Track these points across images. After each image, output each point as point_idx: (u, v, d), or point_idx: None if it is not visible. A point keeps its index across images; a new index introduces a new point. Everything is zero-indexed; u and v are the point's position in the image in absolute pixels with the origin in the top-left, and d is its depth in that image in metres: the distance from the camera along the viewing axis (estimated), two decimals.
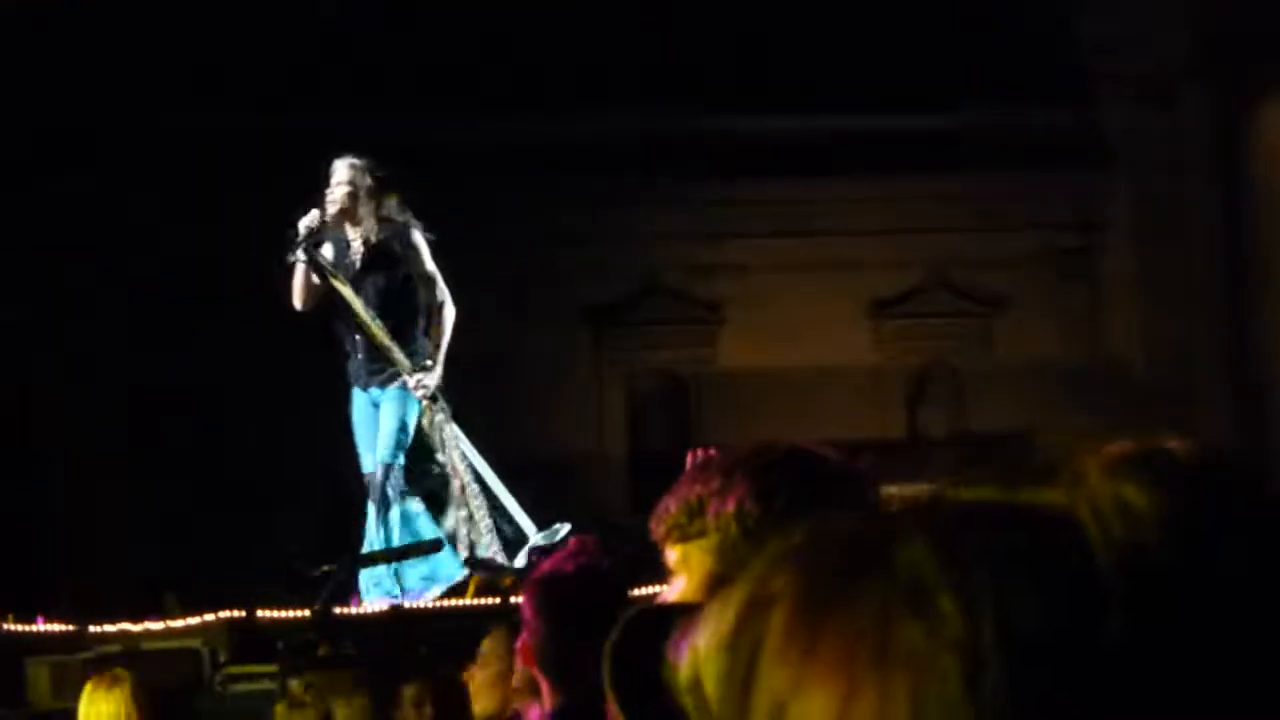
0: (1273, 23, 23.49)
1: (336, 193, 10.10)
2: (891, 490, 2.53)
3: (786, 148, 23.31)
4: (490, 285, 23.04)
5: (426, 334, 10.68)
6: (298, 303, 10.17)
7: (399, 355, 10.28)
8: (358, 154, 10.67)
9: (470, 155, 22.73)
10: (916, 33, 23.81)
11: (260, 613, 10.45)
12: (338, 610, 10.24)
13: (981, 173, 24.18)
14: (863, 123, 23.72)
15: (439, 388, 10.71)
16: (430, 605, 10.44)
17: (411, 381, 10.24)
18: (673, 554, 2.57)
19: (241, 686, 10.23)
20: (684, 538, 2.55)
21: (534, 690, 4.49)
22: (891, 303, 24.11)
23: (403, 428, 10.34)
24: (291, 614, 10.29)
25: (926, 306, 24.40)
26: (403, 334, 10.47)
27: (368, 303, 10.21)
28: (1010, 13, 24.04)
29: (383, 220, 10.36)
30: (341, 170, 10.24)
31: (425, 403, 10.42)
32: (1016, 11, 24.12)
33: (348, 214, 10.19)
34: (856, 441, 9.40)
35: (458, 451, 10.69)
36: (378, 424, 10.05)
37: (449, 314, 10.82)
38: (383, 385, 10.28)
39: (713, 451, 4.37)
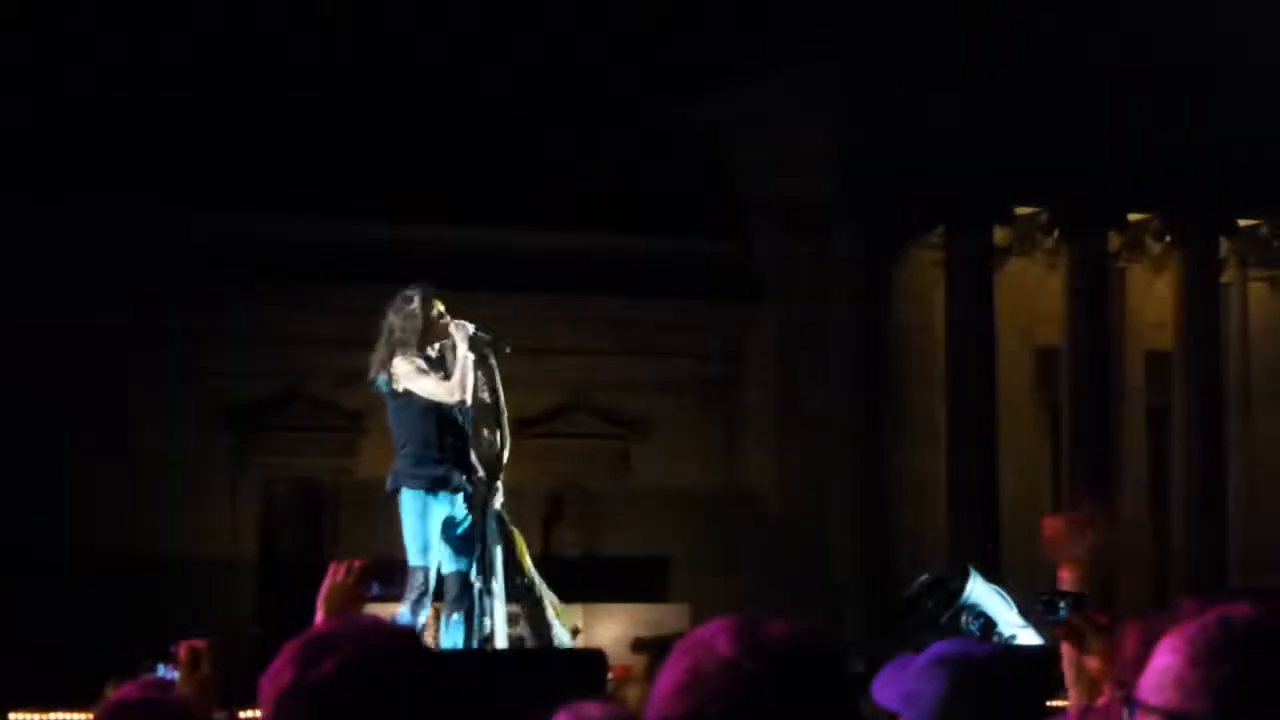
0: (919, 169, 24.78)
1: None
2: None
3: (433, 259, 23.63)
4: (131, 379, 22.87)
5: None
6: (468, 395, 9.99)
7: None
8: None
9: (118, 244, 22.61)
10: (569, 154, 24.50)
11: None
12: None
13: (628, 297, 24.91)
14: (511, 239, 24.30)
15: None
16: None
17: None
18: None
19: None
20: None
21: None
22: (531, 422, 24.56)
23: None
24: None
25: (566, 427, 24.87)
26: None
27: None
28: (665, 140, 24.90)
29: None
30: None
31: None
32: (670, 139, 24.97)
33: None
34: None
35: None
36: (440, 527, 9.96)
37: None
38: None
39: (356, 564, 4.48)
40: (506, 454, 10.21)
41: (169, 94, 22.91)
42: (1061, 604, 5.24)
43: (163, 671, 5.36)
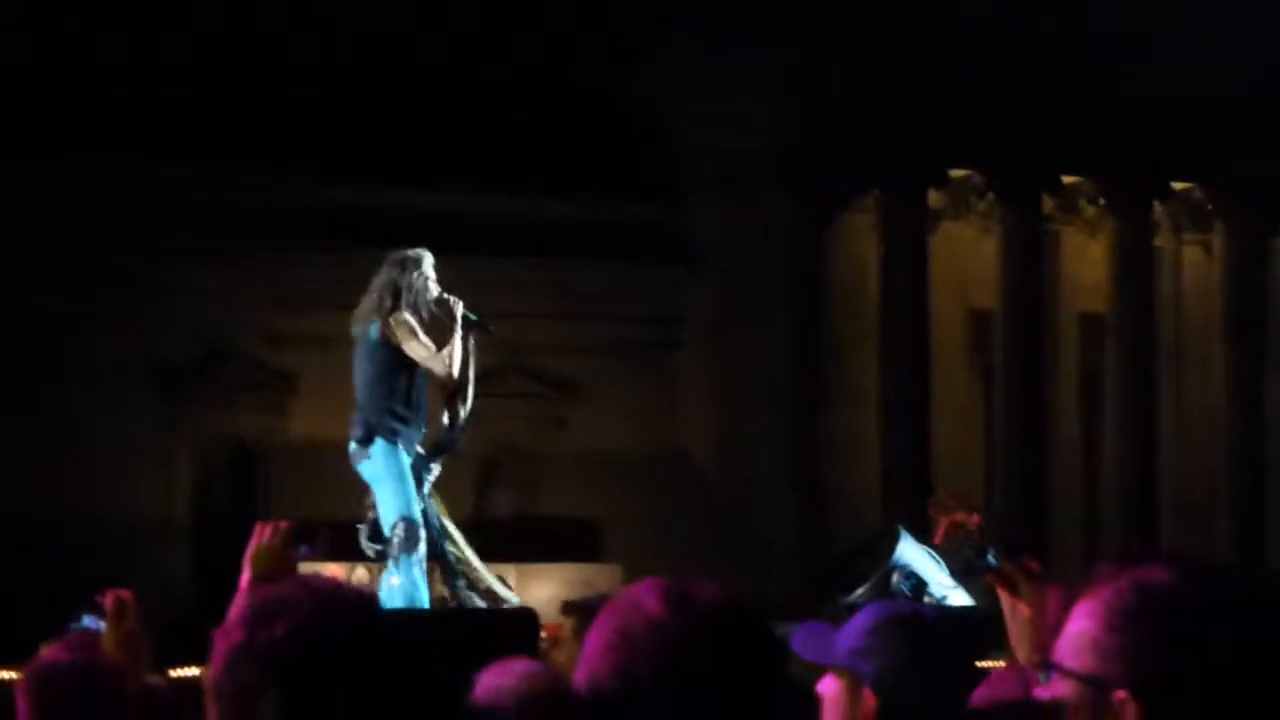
0: (854, 133, 24.84)
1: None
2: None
3: (366, 222, 23.61)
4: (60, 333, 22.73)
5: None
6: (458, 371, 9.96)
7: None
8: None
9: (48, 195, 22.50)
10: (505, 117, 24.46)
11: None
12: None
13: (561, 259, 24.90)
14: (447, 202, 24.24)
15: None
16: None
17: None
18: None
19: None
20: None
21: None
22: None
23: None
24: None
25: (500, 389, 24.86)
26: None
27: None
28: (602, 105, 24.88)
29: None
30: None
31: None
32: (608, 104, 24.96)
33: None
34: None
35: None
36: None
37: None
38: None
39: (283, 524, 4.52)
40: (461, 434, 10.24)
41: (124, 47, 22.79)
42: (991, 552, 5.34)
43: (88, 622, 5.36)
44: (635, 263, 25.48)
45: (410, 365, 9.93)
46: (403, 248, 10.35)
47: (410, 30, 24.43)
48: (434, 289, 10.08)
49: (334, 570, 10.83)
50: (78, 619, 5.56)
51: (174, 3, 23.43)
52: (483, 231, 24.16)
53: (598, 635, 2.39)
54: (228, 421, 24.24)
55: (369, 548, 9.93)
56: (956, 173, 26.34)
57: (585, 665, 2.39)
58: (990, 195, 26.54)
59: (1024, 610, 4.58)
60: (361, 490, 10.10)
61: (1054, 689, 2.16)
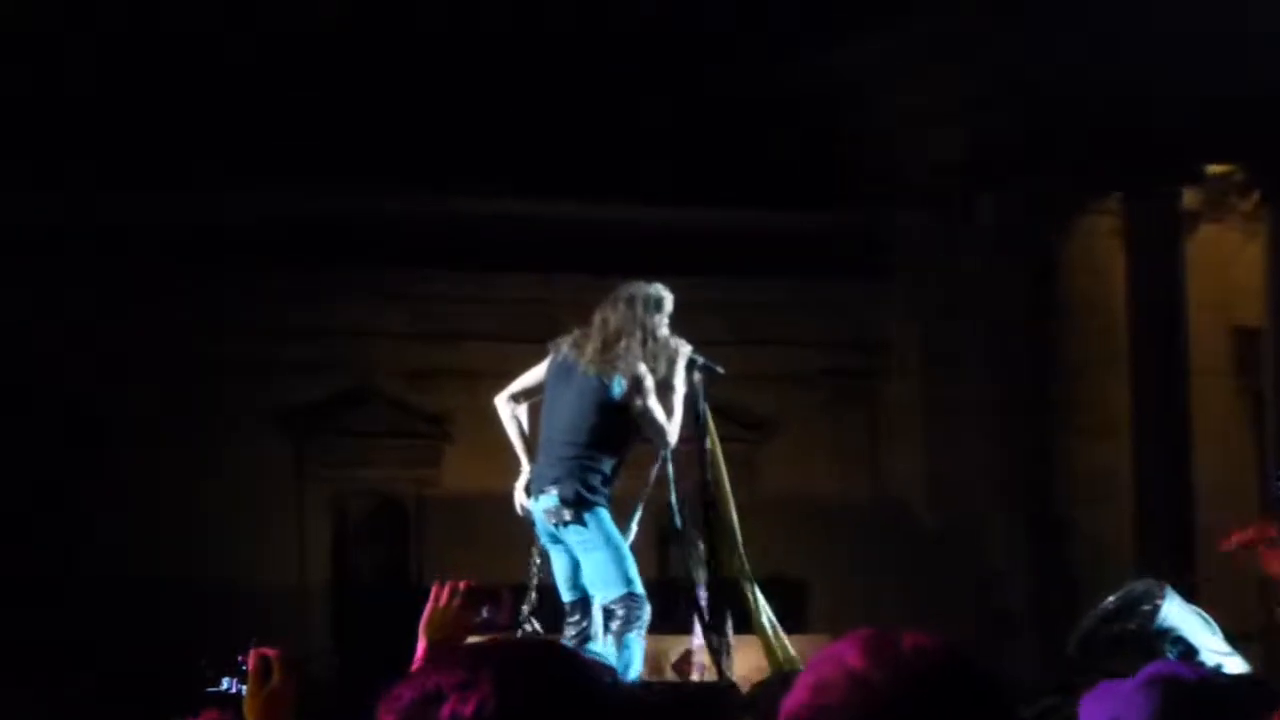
0: (1088, 121, 24.55)
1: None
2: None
3: (523, 239, 23.73)
4: (182, 381, 23.12)
5: None
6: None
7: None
8: None
9: (149, 231, 22.88)
10: (670, 122, 24.50)
11: None
12: None
13: (736, 276, 24.77)
14: (611, 214, 24.28)
15: None
16: None
17: None
18: None
19: None
20: None
21: None
22: None
23: None
24: None
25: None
26: None
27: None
28: (779, 105, 24.81)
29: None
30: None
31: None
32: (786, 103, 24.89)
33: None
34: None
35: None
36: None
37: None
38: None
39: (461, 585, 4.54)
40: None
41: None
42: None
43: (227, 685, 5.48)
44: (824, 279, 25.32)
45: (635, 427, 9.91)
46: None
47: (558, 28, 24.53)
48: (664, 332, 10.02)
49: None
50: (216, 683, 5.70)
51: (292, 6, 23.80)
52: (648, 248, 24.03)
53: (795, 690, 2.41)
54: (369, 472, 24.48)
55: (530, 621, 9.95)
56: (1214, 168, 25.97)
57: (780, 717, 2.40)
58: (1255, 194, 26.15)
59: None
60: (523, 548, 10.14)
61: None
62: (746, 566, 10.56)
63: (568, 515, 9.84)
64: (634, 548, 10.21)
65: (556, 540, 9.99)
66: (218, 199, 23.27)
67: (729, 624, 10.24)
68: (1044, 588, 24.24)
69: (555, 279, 23.53)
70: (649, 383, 9.87)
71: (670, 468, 10.34)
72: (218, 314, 23.43)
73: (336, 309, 23.86)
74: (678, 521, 10.48)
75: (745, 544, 10.61)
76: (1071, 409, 25.43)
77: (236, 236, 23.29)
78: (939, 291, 25.65)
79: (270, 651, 4.89)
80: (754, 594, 10.43)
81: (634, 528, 10.25)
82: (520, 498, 10.24)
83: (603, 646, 9.64)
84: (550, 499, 9.89)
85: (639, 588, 9.76)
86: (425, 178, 23.75)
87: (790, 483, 24.96)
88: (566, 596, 10.12)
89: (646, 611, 9.85)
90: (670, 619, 10.69)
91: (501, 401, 10.42)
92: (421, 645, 4.47)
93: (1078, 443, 25.28)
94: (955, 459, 25.40)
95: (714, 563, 10.31)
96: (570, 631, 9.96)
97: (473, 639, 4.64)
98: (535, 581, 10.06)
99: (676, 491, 10.46)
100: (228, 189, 23.18)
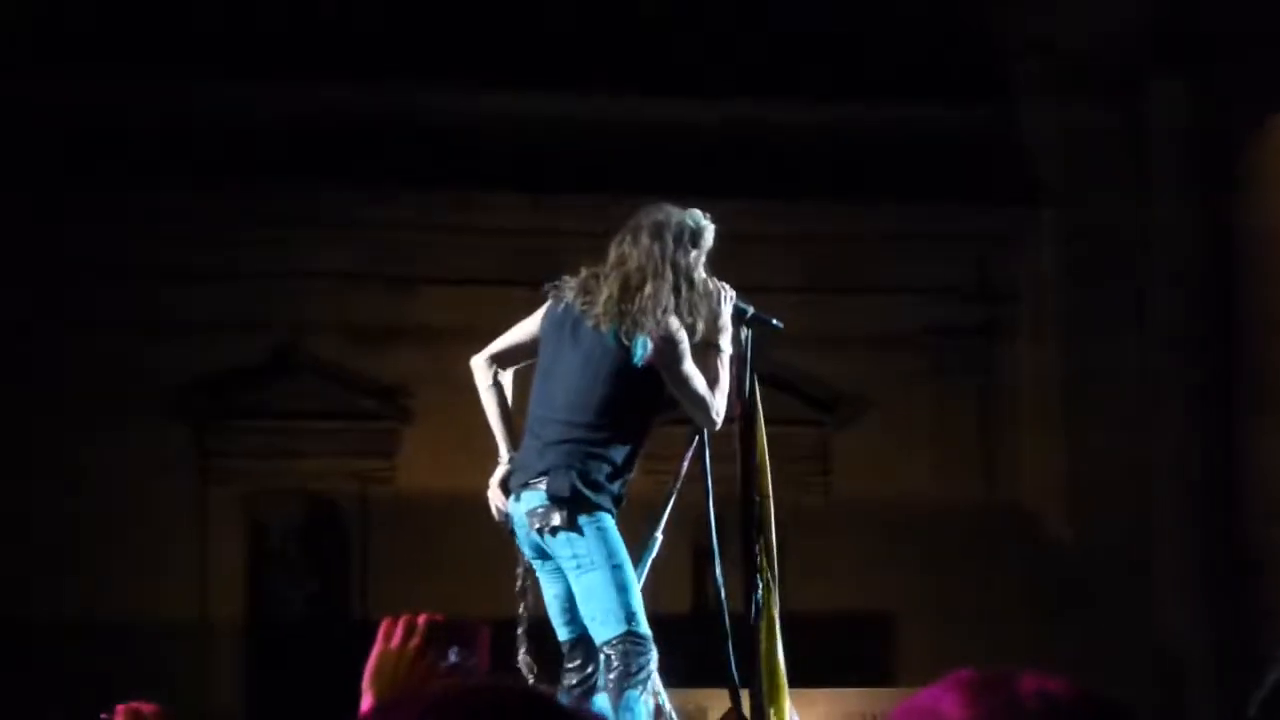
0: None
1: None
2: None
3: (513, 146, 23.79)
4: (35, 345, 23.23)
5: None
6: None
7: None
8: None
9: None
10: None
11: None
12: None
13: (820, 199, 24.90)
14: (629, 111, 24.44)
15: None
16: None
17: None
18: None
19: None
20: None
21: None
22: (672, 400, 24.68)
23: None
24: None
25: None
26: None
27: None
28: None
29: None
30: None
31: None
32: None
33: None
34: None
35: None
36: None
37: None
38: None
39: (420, 620, 4.49)
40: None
41: None
42: None
43: None
44: (931, 202, 25.35)
45: (660, 403, 9.95)
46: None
47: None
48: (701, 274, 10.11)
49: None
50: None
51: None
52: (681, 156, 24.08)
53: None
54: (290, 464, 24.58)
55: (526, 663, 9.99)
56: None
57: None
58: None
59: None
60: (507, 566, 10.14)
61: None
62: (775, 593, 10.59)
63: (557, 519, 9.79)
64: (661, 566, 10.20)
65: (543, 555, 9.95)
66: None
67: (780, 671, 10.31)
68: (1223, 628, 24.38)
69: (555, 202, 23.63)
70: (676, 335, 9.83)
71: (708, 455, 10.34)
72: (85, 254, 23.44)
73: (250, 243, 23.89)
74: (714, 534, 10.50)
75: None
76: (1257, 389, 25.46)
77: (107, 142, 23.38)
78: (1092, 223, 25.69)
79: (147, 707, 4.87)
80: (770, 626, 10.46)
81: (659, 538, 10.24)
82: (495, 497, 10.20)
83: (603, 701, 9.64)
84: (536, 496, 9.84)
85: (642, 626, 9.71)
86: (373, 62, 23.82)
87: (876, 484, 25.11)
88: (562, 634, 10.12)
89: (652, 659, 9.81)
90: (708, 665, 10.68)
91: (479, 365, 10.39)
92: (366, 701, 4.42)
93: (1265, 433, 25.32)
94: (1106, 455, 25.47)
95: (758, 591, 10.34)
96: (571, 680, 9.98)
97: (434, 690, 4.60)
98: (525, 611, 10.06)
99: (714, 492, 10.47)
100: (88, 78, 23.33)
